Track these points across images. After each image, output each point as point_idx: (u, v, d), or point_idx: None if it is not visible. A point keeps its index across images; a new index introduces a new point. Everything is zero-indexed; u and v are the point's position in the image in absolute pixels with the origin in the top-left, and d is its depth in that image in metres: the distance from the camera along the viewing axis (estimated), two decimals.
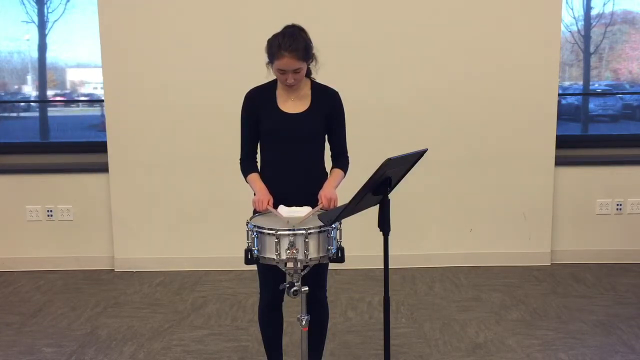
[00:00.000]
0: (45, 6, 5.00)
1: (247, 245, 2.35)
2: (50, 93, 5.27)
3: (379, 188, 2.26)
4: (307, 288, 2.33)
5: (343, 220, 2.36)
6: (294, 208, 2.42)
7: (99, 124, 5.09)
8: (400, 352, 3.24)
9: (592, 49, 5.13)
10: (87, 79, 5.39)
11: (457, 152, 4.57)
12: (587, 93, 5.19)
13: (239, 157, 2.67)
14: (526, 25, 4.44)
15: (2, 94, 5.30)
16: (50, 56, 5.13)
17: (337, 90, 2.67)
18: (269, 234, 2.26)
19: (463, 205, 4.64)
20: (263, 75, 2.61)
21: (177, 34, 4.44)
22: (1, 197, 4.68)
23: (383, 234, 2.30)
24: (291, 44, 2.42)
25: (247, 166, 2.65)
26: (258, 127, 2.61)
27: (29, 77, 5.28)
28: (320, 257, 2.30)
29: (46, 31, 5.03)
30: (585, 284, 4.29)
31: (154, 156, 4.55)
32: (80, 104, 5.47)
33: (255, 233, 2.31)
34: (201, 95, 4.48)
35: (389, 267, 2.36)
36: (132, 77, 4.48)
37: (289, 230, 2.24)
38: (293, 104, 2.59)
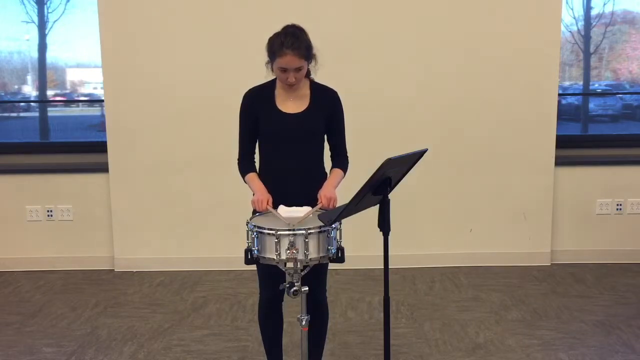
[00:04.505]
0: (45, 6, 5.00)
1: (247, 245, 2.35)
2: (50, 93, 5.27)
3: (379, 188, 2.26)
4: (307, 288, 2.33)
5: (343, 220, 2.36)
6: (293, 208, 2.42)
7: (99, 124, 5.10)
8: (400, 352, 3.24)
9: (592, 49, 5.13)
10: (87, 79, 5.39)
11: (457, 152, 4.57)
12: (587, 93, 5.19)
13: (237, 156, 2.67)
14: (526, 25, 4.44)
15: (2, 94, 5.30)
16: (50, 56, 5.13)
17: (336, 90, 2.67)
18: (269, 234, 2.26)
19: (463, 205, 4.64)
20: (263, 75, 2.61)
21: (177, 34, 4.44)
22: (1, 197, 4.68)
23: (383, 234, 2.30)
24: (293, 42, 2.42)
25: (245, 166, 2.65)
26: (256, 126, 2.60)
27: (29, 77, 5.28)
28: (320, 257, 2.30)
29: (46, 31, 5.03)
30: (585, 284, 4.29)
31: (154, 156, 4.55)
32: (80, 104, 5.47)
33: (255, 233, 2.31)
34: (201, 95, 4.48)
35: (389, 267, 2.36)
36: (132, 77, 4.48)
37: (289, 230, 2.24)
38: (292, 103, 2.59)
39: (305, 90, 2.61)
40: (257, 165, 2.68)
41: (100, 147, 4.64)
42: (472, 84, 4.50)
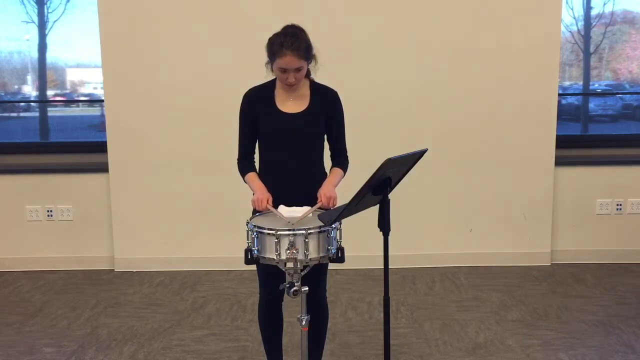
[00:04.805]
0: (45, 6, 5.00)
1: (247, 245, 2.35)
2: (50, 93, 5.27)
3: (379, 188, 2.26)
4: (307, 288, 2.32)
5: (343, 220, 2.36)
6: (294, 208, 2.42)
7: (99, 124, 5.10)
8: (400, 352, 3.24)
9: (592, 49, 5.13)
10: (87, 79, 5.39)
11: (457, 152, 4.57)
12: (587, 93, 5.19)
13: (237, 156, 2.67)
14: (526, 25, 4.44)
15: (2, 94, 5.30)
16: (50, 56, 5.13)
17: (336, 90, 2.67)
18: (269, 234, 2.26)
19: (463, 205, 4.64)
20: (263, 75, 2.61)
21: (177, 34, 4.44)
22: (1, 197, 4.68)
23: (383, 234, 2.30)
24: (293, 42, 2.42)
25: (244, 165, 2.65)
26: (256, 126, 2.60)
27: (29, 77, 5.28)
28: (320, 257, 2.30)
29: (46, 31, 5.03)
30: (585, 284, 4.28)
31: (154, 156, 4.55)
32: (80, 104, 5.47)
33: (255, 233, 2.31)
34: (201, 95, 4.48)
35: (389, 267, 2.36)
36: (132, 77, 4.48)
37: (289, 230, 2.24)
38: (292, 103, 2.59)
39: (305, 90, 2.61)
40: (257, 165, 2.69)
41: (100, 147, 4.64)
42: (472, 84, 4.50)
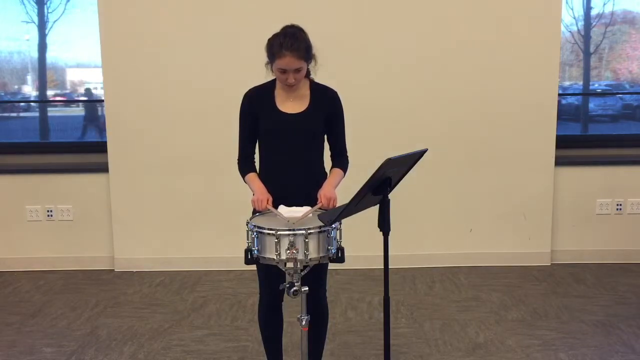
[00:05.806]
0: (45, 6, 5.00)
1: (247, 245, 2.35)
2: (50, 93, 5.27)
3: (379, 188, 2.26)
4: (307, 288, 2.32)
5: (343, 220, 2.36)
6: (294, 208, 2.42)
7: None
8: (400, 352, 3.24)
9: (592, 49, 5.13)
10: (87, 79, 5.39)
11: (457, 152, 4.57)
12: (587, 93, 5.19)
13: (237, 156, 2.67)
14: (526, 25, 4.44)
15: (2, 94, 5.30)
16: (50, 56, 5.14)
17: (336, 90, 2.67)
18: (269, 234, 2.26)
19: (463, 205, 4.64)
20: (263, 75, 2.61)
21: (177, 34, 4.44)
22: (1, 197, 4.68)
23: (383, 234, 2.30)
24: (293, 43, 2.42)
25: (244, 166, 2.65)
26: (256, 127, 2.60)
27: (29, 77, 5.28)
28: (320, 257, 2.30)
29: (46, 31, 5.03)
30: (585, 284, 4.29)
31: (154, 156, 4.55)
32: (80, 104, 5.47)
33: (255, 233, 2.31)
34: (201, 96, 4.48)
35: (389, 267, 2.36)
36: (132, 77, 4.48)
37: (289, 230, 2.24)
38: (292, 104, 2.59)
39: (305, 91, 2.61)
40: (257, 165, 2.69)
41: (100, 147, 4.65)
42: (472, 84, 4.50)
